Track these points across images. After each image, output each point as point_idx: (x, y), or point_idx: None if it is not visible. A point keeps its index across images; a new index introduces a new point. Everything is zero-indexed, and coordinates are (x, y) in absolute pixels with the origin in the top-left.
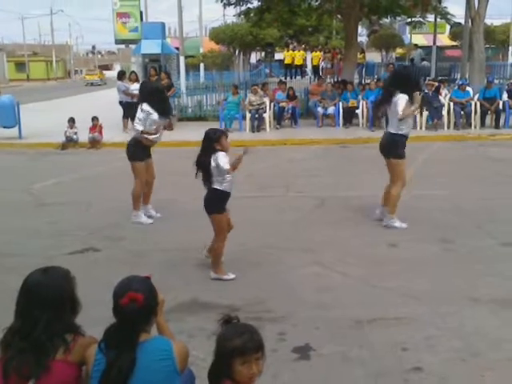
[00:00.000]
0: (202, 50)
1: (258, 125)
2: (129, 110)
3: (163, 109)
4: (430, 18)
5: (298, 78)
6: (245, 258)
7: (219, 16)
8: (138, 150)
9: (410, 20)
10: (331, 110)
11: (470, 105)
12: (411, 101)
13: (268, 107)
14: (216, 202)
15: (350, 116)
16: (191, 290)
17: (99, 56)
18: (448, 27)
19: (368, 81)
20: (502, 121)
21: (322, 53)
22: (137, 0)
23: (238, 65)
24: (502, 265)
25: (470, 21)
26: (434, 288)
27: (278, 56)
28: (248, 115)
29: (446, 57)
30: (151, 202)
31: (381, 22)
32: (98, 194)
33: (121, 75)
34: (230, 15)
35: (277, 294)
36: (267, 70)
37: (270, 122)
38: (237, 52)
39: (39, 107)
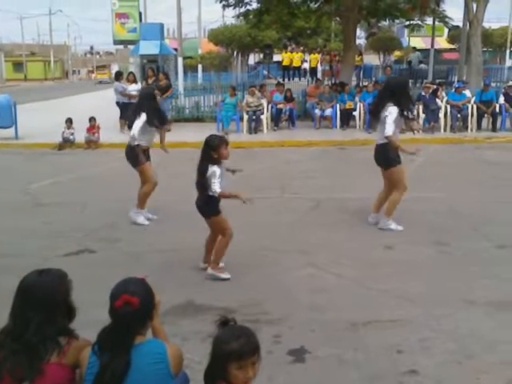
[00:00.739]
0: (200, 51)
1: (255, 126)
2: (126, 111)
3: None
4: (429, 21)
5: (296, 79)
6: (240, 259)
7: (218, 17)
8: (139, 154)
9: (408, 23)
10: (328, 111)
11: (467, 108)
12: (402, 112)
13: (265, 109)
14: (210, 205)
15: (347, 118)
16: (186, 291)
17: (97, 56)
18: (446, 30)
19: (366, 83)
20: (498, 124)
21: (320, 55)
22: (136, 1)
23: (235, 66)
24: (497, 267)
25: (468, 24)
26: (429, 290)
27: (276, 58)
28: (245, 117)
29: (444, 60)
30: (147, 204)
31: (379, 24)
32: (95, 195)
33: (118, 76)
34: (229, 17)
35: (272, 296)
36: (265, 72)
37: (267, 123)
38: (235, 53)
39: (36, 107)
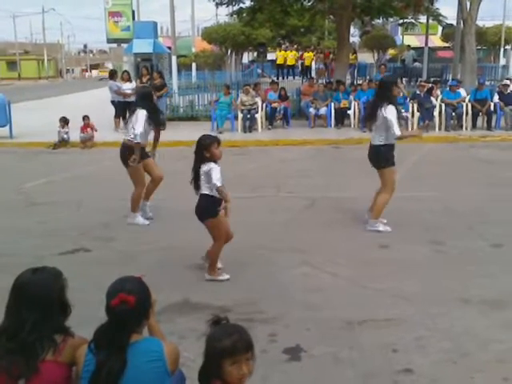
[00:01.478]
0: (194, 50)
1: (249, 125)
2: (120, 110)
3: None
4: (422, 19)
5: (290, 78)
6: (236, 258)
7: (212, 15)
8: (138, 153)
9: (402, 21)
10: (323, 110)
11: (462, 106)
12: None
13: (260, 107)
14: (207, 207)
15: (341, 117)
16: (182, 290)
17: (91, 55)
18: (440, 28)
19: (360, 81)
20: (493, 122)
21: (314, 53)
22: None
23: (229, 65)
24: (492, 266)
25: (461, 22)
26: (425, 289)
27: (270, 56)
28: (240, 115)
29: (438, 58)
30: (152, 198)
31: (373, 22)
32: (89, 194)
33: (112, 74)
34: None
35: (268, 295)
36: (259, 70)
37: (261, 122)
38: (229, 52)
39: (31, 106)
